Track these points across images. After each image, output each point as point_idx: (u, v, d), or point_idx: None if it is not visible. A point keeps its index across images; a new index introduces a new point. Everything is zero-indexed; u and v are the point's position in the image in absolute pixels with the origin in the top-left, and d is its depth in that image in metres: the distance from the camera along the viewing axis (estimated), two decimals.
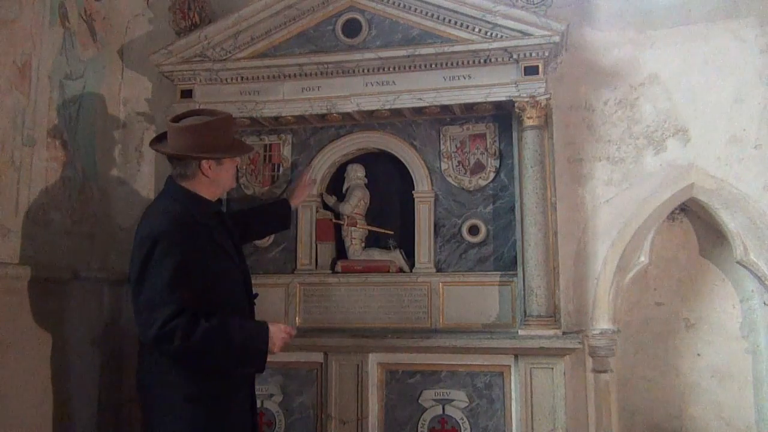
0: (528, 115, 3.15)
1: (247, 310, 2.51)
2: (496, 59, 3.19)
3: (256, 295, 2.61)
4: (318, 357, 3.28)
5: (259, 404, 3.32)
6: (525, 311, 3.10)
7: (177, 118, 2.50)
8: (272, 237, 3.59)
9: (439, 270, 3.41)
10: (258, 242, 3.58)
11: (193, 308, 2.16)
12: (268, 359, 2.36)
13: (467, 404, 3.16)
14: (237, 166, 2.58)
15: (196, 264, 2.23)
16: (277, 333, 2.34)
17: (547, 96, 3.14)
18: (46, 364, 3.06)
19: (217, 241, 2.38)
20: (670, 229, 3.58)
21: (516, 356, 3.08)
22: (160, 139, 2.56)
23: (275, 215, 3.19)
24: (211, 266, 2.29)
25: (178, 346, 2.10)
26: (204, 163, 2.39)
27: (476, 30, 3.21)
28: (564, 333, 3.10)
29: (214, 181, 2.44)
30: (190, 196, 2.40)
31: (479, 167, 3.46)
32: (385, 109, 3.34)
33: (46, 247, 3.14)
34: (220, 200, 2.53)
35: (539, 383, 3.02)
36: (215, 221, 2.45)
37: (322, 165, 3.62)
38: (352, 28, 3.41)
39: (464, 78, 3.24)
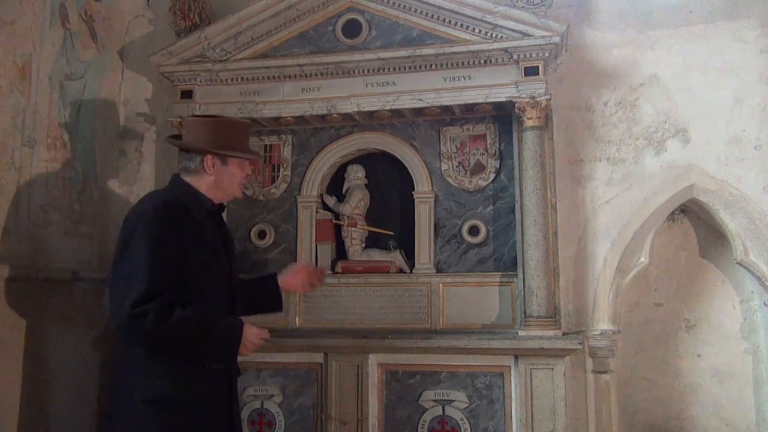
0: (528, 116, 3.15)
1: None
2: (497, 60, 3.20)
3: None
4: (318, 357, 3.28)
5: (259, 405, 3.34)
6: (525, 312, 3.10)
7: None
8: (272, 237, 3.59)
9: (439, 270, 3.41)
10: (258, 242, 3.59)
11: (169, 294, 2.08)
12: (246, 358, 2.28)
13: (467, 405, 3.16)
14: (246, 178, 2.50)
15: (176, 249, 2.15)
16: (250, 336, 2.22)
17: (547, 96, 3.14)
18: (46, 363, 3.06)
19: (204, 238, 2.28)
20: (670, 229, 3.58)
21: (516, 357, 3.08)
22: (176, 137, 2.54)
23: (263, 292, 2.61)
24: (191, 259, 2.19)
25: (150, 328, 2.02)
26: (209, 158, 2.34)
27: (476, 31, 3.22)
28: (564, 333, 3.11)
29: (217, 182, 2.37)
30: (187, 188, 2.34)
31: (479, 168, 3.46)
32: (385, 110, 3.34)
33: (46, 247, 3.14)
34: (222, 205, 2.43)
35: (539, 384, 3.02)
36: (210, 221, 2.36)
37: (322, 165, 3.62)
38: (352, 29, 3.42)
39: (464, 79, 3.24)
